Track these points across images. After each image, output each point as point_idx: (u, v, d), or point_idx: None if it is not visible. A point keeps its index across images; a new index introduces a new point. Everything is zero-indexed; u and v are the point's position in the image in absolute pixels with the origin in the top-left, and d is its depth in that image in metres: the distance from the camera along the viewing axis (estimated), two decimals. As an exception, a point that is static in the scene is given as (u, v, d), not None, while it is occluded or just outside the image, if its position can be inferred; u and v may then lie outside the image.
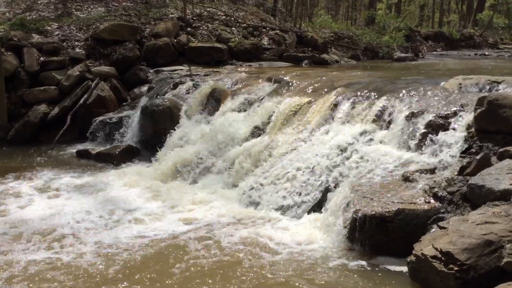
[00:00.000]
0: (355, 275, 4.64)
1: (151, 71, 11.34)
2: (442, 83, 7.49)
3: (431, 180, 5.21)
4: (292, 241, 5.37)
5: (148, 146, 8.81)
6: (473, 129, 5.72)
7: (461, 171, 5.16)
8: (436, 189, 5.02)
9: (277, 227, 5.78)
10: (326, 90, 8.02)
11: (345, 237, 5.09)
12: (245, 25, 14.93)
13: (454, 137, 5.79)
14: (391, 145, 6.26)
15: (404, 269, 4.57)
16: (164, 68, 11.34)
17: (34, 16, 13.29)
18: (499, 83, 6.98)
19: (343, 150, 6.47)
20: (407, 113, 6.42)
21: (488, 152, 5.29)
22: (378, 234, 4.87)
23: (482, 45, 24.87)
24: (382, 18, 22.46)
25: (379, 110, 6.84)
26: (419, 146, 6.01)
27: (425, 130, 6.06)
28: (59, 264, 4.86)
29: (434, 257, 4.09)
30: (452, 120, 6.00)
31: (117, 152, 8.70)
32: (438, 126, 6.01)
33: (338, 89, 7.85)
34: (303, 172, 6.48)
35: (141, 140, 9.11)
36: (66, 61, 10.76)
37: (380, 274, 4.66)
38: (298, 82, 8.73)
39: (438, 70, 11.94)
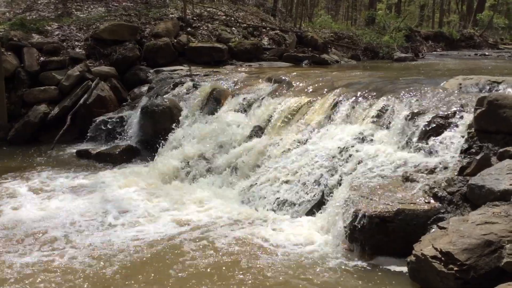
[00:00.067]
0: (355, 275, 4.64)
1: (151, 71, 11.34)
2: (442, 83, 7.49)
3: (431, 180, 5.21)
4: (291, 241, 5.37)
5: (148, 146, 8.82)
6: (473, 129, 5.71)
7: (461, 171, 5.17)
8: (436, 189, 5.02)
9: (276, 227, 5.77)
10: (326, 90, 8.02)
11: (345, 237, 5.08)
12: (245, 25, 14.94)
13: (454, 137, 5.79)
14: (391, 145, 6.26)
15: (404, 269, 4.57)
16: (164, 68, 11.34)
17: (34, 16, 13.29)
18: (499, 83, 6.98)
19: (343, 150, 6.47)
20: (407, 113, 6.42)
21: (488, 152, 5.29)
22: (378, 234, 4.87)
23: (482, 45, 24.87)
24: (382, 18, 22.47)
25: (379, 110, 6.83)
26: (419, 146, 6.01)
27: (425, 130, 6.06)
28: (52, 266, 4.80)
29: (434, 257, 4.09)
30: (452, 120, 6.01)
31: (117, 152, 8.70)
32: (438, 126, 6.01)
33: (338, 89, 7.86)
34: (303, 172, 6.48)
35: (141, 140, 9.11)
36: (66, 61, 10.76)
37: (380, 274, 4.66)
38: (298, 82, 8.73)
39: (438, 70, 11.93)
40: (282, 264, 4.86)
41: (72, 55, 11.04)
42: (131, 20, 13.02)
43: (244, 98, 8.58)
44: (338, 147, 6.52)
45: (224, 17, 14.99)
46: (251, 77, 9.80)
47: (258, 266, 4.81)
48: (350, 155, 6.31)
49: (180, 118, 8.78)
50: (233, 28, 14.34)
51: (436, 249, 4.10)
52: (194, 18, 14.20)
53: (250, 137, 7.69)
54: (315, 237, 5.43)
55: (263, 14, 17.75)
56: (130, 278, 4.59)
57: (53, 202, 6.61)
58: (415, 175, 5.40)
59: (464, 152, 5.60)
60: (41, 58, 10.65)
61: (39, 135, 9.96)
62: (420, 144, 6.01)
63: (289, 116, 7.65)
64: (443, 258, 4.02)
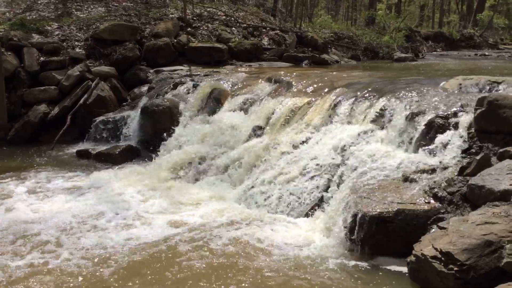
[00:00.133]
0: (355, 276, 4.64)
1: (151, 71, 11.34)
2: (442, 84, 7.49)
3: (431, 181, 5.21)
4: (291, 241, 5.36)
5: (148, 146, 8.82)
6: (473, 130, 5.71)
7: (461, 171, 5.16)
8: (436, 190, 5.02)
9: (276, 228, 5.77)
10: (326, 90, 8.02)
11: (345, 238, 5.08)
12: (245, 25, 14.94)
13: (454, 138, 5.79)
14: (391, 146, 6.26)
15: (404, 269, 4.57)
16: (164, 68, 11.34)
17: (34, 16, 13.29)
18: (499, 83, 6.98)
19: (343, 150, 6.47)
20: (407, 113, 6.42)
21: (488, 153, 5.29)
22: (378, 234, 4.87)
23: (482, 45, 24.87)
24: (382, 19, 22.47)
25: (379, 110, 6.83)
26: (419, 147, 6.01)
27: (425, 130, 6.06)
28: (45, 269, 4.74)
29: (434, 257, 4.09)
30: (452, 120, 6.00)
31: (117, 152, 8.70)
32: (438, 126, 6.01)
33: (338, 89, 7.86)
34: (303, 172, 6.48)
35: (141, 140, 9.11)
36: (66, 61, 10.76)
37: (380, 274, 4.66)
38: (298, 82, 8.73)
39: (438, 70, 11.93)
40: (282, 264, 4.86)
41: (72, 55, 11.04)
42: (131, 20, 13.03)
43: (244, 98, 8.58)
44: (338, 147, 6.52)
45: (224, 17, 14.99)
46: (251, 77, 9.80)
47: (257, 266, 4.80)
48: (350, 155, 6.31)
49: (180, 118, 8.79)
50: (233, 28, 14.34)
51: (436, 249, 4.10)
52: (194, 18, 14.20)
53: (250, 137, 7.69)
54: (315, 237, 5.43)
55: (263, 14, 17.75)
56: (128, 280, 4.56)
57: (49, 203, 6.54)
58: (415, 175, 5.40)
59: (464, 152, 5.60)
60: (41, 58, 10.66)
61: (39, 135, 9.96)
62: (420, 144, 6.01)
63: (289, 116, 7.66)
64: (443, 258, 4.03)
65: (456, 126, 5.91)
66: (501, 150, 5.22)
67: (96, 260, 4.93)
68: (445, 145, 5.77)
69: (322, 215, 5.80)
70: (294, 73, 9.61)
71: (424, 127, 6.09)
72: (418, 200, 4.99)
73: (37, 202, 6.62)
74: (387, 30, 20.27)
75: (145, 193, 6.96)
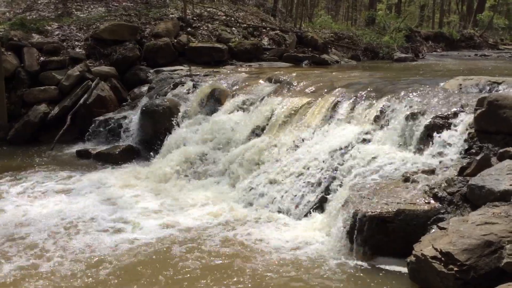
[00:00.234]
0: (355, 276, 4.64)
1: (151, 71, 11.34)
2: (442, 84, 7.49)
3: (431, 181, 5.21)
4: (291, 241, 5.36)
5: (148, 146, 8.81)
6: (473, 130, 5.71)
7: (461, 171, 5.16)
8: (436, 190, 5.02)
9: (276, 228, 5.77)
10: (326, 90, 8.02)
11: (345, 238, 5.08)
12: (245, 25, 14.94)
13: (454, 138, 5.79)
14: (391, 146, 6.26)
15: (404, 269, 4.57)
16: (164, 68, 11.34)
17: (34, 16, 13.29)
18: (499, 83, 6.98)
19: (343, 150, 6.47)
20: (407, 113, 6.42)
21: (488, 153, 5.29)
22: (378, 234, 4.87)
23: (482, 45, 24.86)
24: (382, 19, 22.47)
25: (379, 111, 6.83)
26: (419, 147, 6.01)
27: (425, 131, 6.06)
28: (36, 272, 4.65)
29: (434, 257, 4.08)
30: (452, 120, 6.00)
31: (117, 152, 8.70)
32: (438, 126, 6.01)
33: (338, 89, 7.86)
34: (303, 172, 6.47)
35: (141, 140, 9.11)
36: (66, 61, 10.77)
37: (379, 274, 4.66)
38: (298, 83, 8.72)
39: (438, 70, 11.93)
40: (282, 264, 4.85)
41: (72, 55, 11.04)
42: (131, 20, 13.03)
43: (244, 98, 8.58)
44: (338, 148, 6.52)
45: (224, 17, 14.99)
46: (251, 77, 9.80)
47: (256, 266, 4.80)
48: (350, 156, 6.30)
49: (180, 118, 8.78)
50: (233, 28, 14.34)
51: (436, 249, 4.10)
52: (194, 18, 14.20)
53: (249, 137, 7.69)
54: (315, 237, 5.42)
55: (263, 14, 17.75)
56: (125, 281, 4.52)
57: (41, 205, 6.44)
58: (415, 176, 5.40)
59: (464, 152, 5.60)
60: (41, 58, 10.66)
61: (39, 135, 9.96)
62: (420, 145, 6.01)
63: (289, 116, 7.65)
64: (443, 259, 4.02)
65: (456, 126, 5.91)
66: (501, 150, 5.22)
67: (89, 263, 4.85)
68: (445, 146, 5.77)
69: (322, 215, 5.80)
70: (294, 73, 9.61)
71: (424, 127, 6.09)
72: (418, 200, 4.99)
73: (28, 203, 6.52)
74: (387, 30, 20.27)
75: (144, 193, 6.95)
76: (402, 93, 6.99)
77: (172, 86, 9.79)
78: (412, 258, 4.33)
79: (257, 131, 7.75)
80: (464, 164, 5.24)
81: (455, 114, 6.07)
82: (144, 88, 10.72)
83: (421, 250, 4.22)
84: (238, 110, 8.42)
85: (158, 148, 8.41)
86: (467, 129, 5.78)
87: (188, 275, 4.64)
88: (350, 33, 18.58)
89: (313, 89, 8.31)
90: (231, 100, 8.67)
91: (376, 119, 6.77)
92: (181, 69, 11.30)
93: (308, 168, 6.48)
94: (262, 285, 4.47)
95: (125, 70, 11.41)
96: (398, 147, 6.21)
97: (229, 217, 6.11)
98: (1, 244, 5.25)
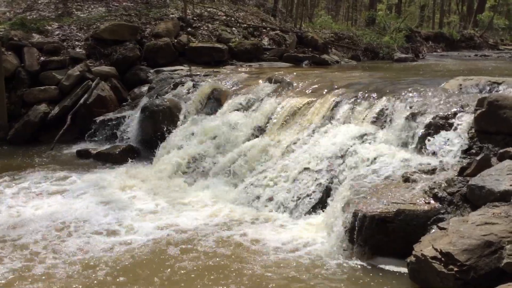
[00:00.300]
0: (355, 276, 4.64)
1: (152, 71, 11.33)
2: (442, 84, 7.49)
3: (431, 181, 5.21)
4: (291, 241, 5.36)
5: (148, 146, 8.81)
6: (473, 130, 5.72)
7: (461, 172, 5.16)
8: (436, 190, 5.02)
9: (276, 228, 5.77)
10: (326, 90, 8.02)
11: (345, 238, 5.08)
12: (245, 25, 14.93)
13: (454, 138, 5.79)
14: (391, 146, 6.26)
15: (404, 269, 4.57)
16: (165, 68, 11.33)
17: (34, 16, 13.29)
18: (499, 84, 6.98)
19: (343, 150, 6.47)
20: (407, 113, 6.42)
21: (488, 153, 5.29)
22: (378, 234, 4.87)
23: (483, 46, 24.85)
24: (383, 19, 22.45)
25: (379, 111, 6.84)
26: (419, 147, 6.02)
27: (425, 131, 6.07)
28: (30, 275, 4.59)
29: (434, 257, 4.08)
30: (452, 121, 6.01)
31: (117, 152, 8.70)
32: (438, 126, 6.01)
33: (338, 89, 7.86)
34: (303, 172, 6.48)
35: (141, 140, 9.11)
36: (66, 60, 10.76)
37: (379, 274, 4.66)
38: (298, 83, 8.73)
39: (438, 70, 11.93)
40: (281, 264, 4.85)
41: (73, 55, 11.04)
42: (131, 20, 13.03)
43: (244, 98, 8.58)
44: (338, 148, 6.52)
45: (224, 17, 14.99)
46: (251, 77, 9.80)
47: (256, 267, 4.79)
48: (350, 156, 6.31)
49: (180, 118, 8.78)
50: (234, 28, 14.34)
51: (436, 249, 4.10)
52: (195, 18, 14.20)
53: (250, 137, 7.69)
54: (314, 237, 5.42)
55: (263, 14, 17.75)
56: (121, 282, 4.48)
57: (34, 206, 6.39)
58: (415, 176, 5.40)
59: (464, 152, 5.61)
60: (42, 58, 10.66)
61: (39, 135, 9.95)
62: (420, 145, 6.01)
63: (289, 116, 7.66)
64: (443, 259, 4.02)
65: (456, 126, 5.92)
66: (501, 150, 5.22)
67: (85, 265, 4.79)
68: (445, 146, 5.77)
69: (322, 215, 5.80)
70: (294, 73, 9.61)
71: (424, 127, 6.10)
72: (418, 201, 4.99)
73: (23, 204, 6.45)
74: (388, 30, 20.25)
75: (142, 194, 6.94)
76: (402, 93, 7.00)
77: (172, 86, 9.79)
78: (412, 258, 4.33)
79: (257, 131, 7.76)
80: (464, 164, 5.24)
81: (455, 114, 6.08)
82: (144, 88, 10.72)
83: (421, 250, 4.22)
84: (238, 110, 8.42)
85: (158, 148, 8.41)
86: (467, 129, 5.78)
87: (185, 277, 4.61)
88: (350, 33, 18.57)
89: (313, 89, 8.31)
90: (231, 100, 8.67)
91: (376, 119, 6.78)
92: (181, 69, 11.29)
93: (308, 168, 6.48)
94: (262, 285, 4.47)
95: (125, 70, 11.40)
96: (398, 147, 6.21)
97: (228, 217, 6.10)
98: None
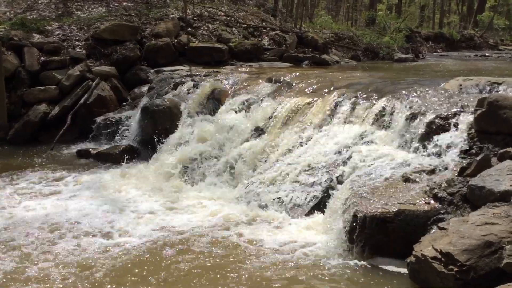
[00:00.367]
0: (355, 276, 4.64)
1: (152, 71, 11.33)
2: (443, 84, 7.49)
3: (431, 181, 5.21)
4: (290, 241, 5.36)
5: (148, 146, 8.81)
6: (473, 130, 5.72)
7: (461, 172, 5.16)
8: (436, 190, 5.02)
9: (275, 228, 5.77)
10: (326, 90, 8.02)
11: (345, 238, 5.08)
12: (245, 25, 14.93)
13: (454, 138, 5.79)
14: (391, 146, 6.26)
15: (404, 270, 4.57)
16: (165, 68, 11.33)
17: (34, 16, 13.29)
18: (499, 84, 6.98)
19: (343, 150, 6.47)
20: (407, 114, 6.42)
21: (488, 153, 5.29)
22: (378, 234, 4.87)
23: (483, 46, 24.83)
24: (383, 19, 22.44)
25: (379, 111, 6.84)
26: (419, 147, 6.01)
27: (425, 131, 6.07)
28: (23, 277, 4.53)
29: (434, 258, 4.08)
30: (453, 121, 6.01)
31: (117, 152, 8.70)
32: (439, 127, 6.01)
33: (339, 89, 7.86)
34: (303, 172, 6.48)
35: (142, 140, 9.11)
36: (66, 60, 10.77)
37: (379, 274, 4.66)
38: (299, 83, 8.73)
39: (439, 71, 11.93)
40: (281, 265, 4.85)
41: (73, 55, 11.05)
42: (131, 20, 13.03)
43: (244, 99, 8.57)
44: (338, 148, 6.52)
45: (224, 17, 14.99)
46: (252, 77, 9.80)
47: (255, 267, 4.79)
48: (350, 156, 6.31)
49: (180, 118, 8.78)
50: (234, 28, 14.34)
51: (436, 249, 4.10)
52: (195, 18, 14.20)
53: (250, 137, 7.69)
54: (315, 237, 5.43)
55: (263, 14, 17.75)
56: (117, 284, 4.45)
57: (25, 208, 6.32)
58: (415, 176, 5.40)
59: (464, 153, 5.60)
60: (42, 58, 10.66)
61: (39, 135, 9.95)
62: (420, 145, 6.01)
63: (289, 116, 7.65)
64: (443, 259, 4.02)
65: (456, 126, 5.92)
66: (501, 150, 5.22)
67: (80, 266, 4.75)
68: (445, 146, 5.77)
69: (322, 215, 5.80)
70: (295, 74, 9.61)
71: (424, 127, 6.10)
72: (418, 201, 4.99)
73: (16, 205, 6.42)
74: (388, 30, 20.24)
75: (141, 194, 6.92)
76: (403, 94, 7.00)
77: (172, 86, 9.79)
78: (412, 258, 4.33)
79: (258, 131, 7.75)
80: (464, 164, 5.25)
81: (455, 115, 6.07)
82: (145, 88, 10.72)
83: (421, 251, 4.22)
84: (238, 110, 8.42)
85: (158, 148, 8.41)
86: (467, 130, 5.78)
87: (183, 277, 4.60)
88: (351, 33, 18.57)
89: (314, 89, 8.31)
90: (231, 100, 8.67)
91: (376, 119, 6.78)
92: (182, 69, 11.29)
93: (308, 168, 6.48)
94: (262, 286, 4.47)
95: (126, 70, 11.41)
96: (398, 147, 6.21)
97: (227, 217, 6.09)
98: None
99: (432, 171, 5.46)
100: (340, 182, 6.08)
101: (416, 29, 24.44)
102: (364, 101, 7.23)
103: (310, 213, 6.00)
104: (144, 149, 8.91)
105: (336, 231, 5.21)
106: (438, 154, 5.74)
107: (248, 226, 5.85)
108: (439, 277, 4.03)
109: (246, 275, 4.62)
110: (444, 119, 6.07)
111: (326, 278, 4.59)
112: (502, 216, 4.22)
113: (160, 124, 8.77)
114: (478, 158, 5.17)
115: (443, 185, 5.05)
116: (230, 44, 12.88)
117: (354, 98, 7.35)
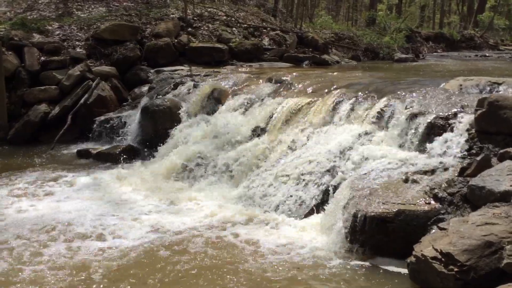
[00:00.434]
0: (355, 276, 4.64)
1: (152, 71, 11.33)
2: (443, 84, 7.49)
3: (432, 181, 5.21)
4: (291, 241, 5.36)
5: (148, 146, 8.81)
6: (473, 130, 5.71)
7: (462, 172, 5.16)
8: (436, 190, 5.02)
9: (276, 228, 5.77)
10: (326, 90, 8.02)
11: (345, 238, 5.08)
12: (245, 25, 14.93)
13: (455, 138, 5.79)
14: (391, 146, 6.26)
15: (404, 270, 4.57)
16: (165, 68, 11.34)
17: (35, 16, 13.30)
18: (499, 84, 6.99)
19: (343, 150, 6.47)
20: (407, 114, 6.42)
21: (489, 153, 5.29)
22: (378, 235, 4.87)
23: (483, 46, 24.83)
24: (383, 19, 22.44)
25: (380, 111, 6.84)
26: (419, 147, 6.01)
27: (425, 131, 6.07)
28: (17, 279, 4.49)
29: (434, 258, 4.08)
30: (453, 121, 6.01)
31: (117, 152, 8.70)
32: (439, 127, 6.01)
33: (339, 89, 7.86)
34: (303, 172, 6.47)
35: (142, 140, 9.11)
36: (67, 60, 10.77)
37: (380, 275, 4.66)
38: (299, 83, 8.73)
39: (439, 71, 11.93)
40: (281, 265, 4.85)
41: (73, 54, 11.05)
42: (132, 20, 13.03)
43: (244, 99, 8.57)
44: (339, 148, 6.52)
45: (224, 17, 14.99)
46: (252, 77, 9.79)
47: (255, 267, 4.79)
48: (351, 156, 6.31)
49: (181, 118, 8.78)
50: (234, 29, 14.34)
51: (436, 250, 4.10)
52: (195, 18, 14.20)
53: (250, 137, 7.69)
54: (315, 237, 5.43)
55: (263, 14, 17.75)
56: (113, 286, 4.43)
57: (17, 209, 6.26)
58: (415, 176, 5.40)
59: (465, 153, 5.60)
60: (42, 58, 10.66)
61: (39, 135, 9.95)
62: (420, 145, 6.01)
63: (289, 116, 7.65)
64: (443, 259, 4.02)
65: (456, 127, 5.92)
66: (501, 151, 5.22)
67: (76, 269, 4.70)
68: (445, 146, 5.77)
69: (322, 215, 5.80)
70: (295, 74, 9.61)
71: (424, 127, 6.10)
72: (418, 201, 4.99)
73: (8, 206, 6.37)
74: (388, 30, 20.24)
75: (140, 194, 6.91)
76: (403, 94, 7.00)
77: (172, 86, 9.79)
78: (412, 258, 4.33)
79: (258, 131, 7.75)
80: (465, 164, 5.25)
81: (456, 115, 6.07)
82: (145, 88, 10.72)
83: (421, 251, 4.22)
84: (238, 110, 8.42)
85: (158, 148, 8.41)
86: (467, 130, 5.78)
87: (181, 278, 4.59)
88: (351, 33, 18.56)
89: (314, 89, 8.31)
90: (231, 100, 8.67)
91: (377, 119, 6.77)
92: (182, 69, 11.29)
93: (308, 168, 6.47)
94: (262, 286, 4.47)
95: (126, 70, 11.41)
96: (399, 147, 6.21)
97: (226, 218, 6.07)
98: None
99: (432, 171, 5.45)
100: (340, 182, 6.07)
101: (416, 29, 24.44)
102: (364, 101, 7.22)
103: (310, 213, 5.99)
104: (144, 149, 8.91)
105: (336, 231, 5.21)
106: (438, 154, 5.74)
107: (247, 226, 5.84)
108: (439, 277, 4.03)
109: (246, 276, 4.62)
110: (444, 119, 6.07)
111: (327, 278, 4.59)
112: (502, 216, 4.22)
113: (160, 124, 8.77)
114: (478, 158, 5.17)
115: (443, 185, 5.05)
116: (230, 44, 12.88)
117: (354, 98, 7.35)
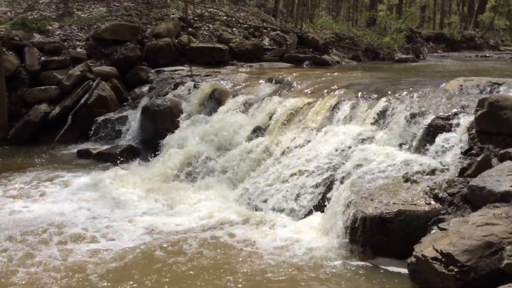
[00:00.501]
0: (355, 276, 4.63)
1: (152, 71, 11.34)
2: (443, 85, 7.49)
3: (432, 181, 5.21)
4: (291, 242, 5.35)
5: (148, 146, 8.81)
6: (473, 131, 5.71)
7: (462, 172, 5.16)
8: (436, 190, 5.02)
9: (276, 228, 5.76)
10: (326, 91, 8.02)
11: (345, 238, 5.08)
12: (246, 25, 14.94)
13: (455, 139, 5.79)
14: (391, 146, 6.26)
15: (404, 270, 4.56)
16: (165, 68, 11.34)
17: (35, 16, 13.31)
18: (500, 84, 6.98)
19: (343, 150, 6.47)
20: (407, 114, 6.42)
21: (489, 154, 5.28)
22: (378, 235, 4.87)
23: (483, 46, 24.83)
24: (383, 19, 22.43)
25: (380, 111, 6.84)
26: (419, 147, 6.02)
27: (426, 131, 6.07)
28: (13, 281, 4.44)
29: (434, 258, 4.08)
30: (453, 121, 6.01)
31: (117, 152, 8.70)
32: (439, 127, 6.01)
33: (339, 90, 7.86)
34: (304, 172, 6.47)
35: (142, 140, 9.12)
36: (67, 60, 10.77)
37: (380, 275, 4.66)
38: (299, 83, 8.73)
39: (439, 71, 11.93)
40: (281, 265, 4.85)
41: (73, 54, 11.05)
42: (132, 20, 13.04)
43: (244, 99, 8.58)
44: (339, 148, 6.52)
45: (225, 17, 14.99)
46: (252, 77, 9.80)
47: (255, 267, 4.79)
48: (351, 156, 6.31)
49: (181, 118, 8.78)
50: (234, 29, 14.34)
51: (436, 250, 4.10)
52: (195, 19, 14.21)
53: (250, 137, 7.69)
54: (315, 237, 5.42)
55: (264, 14, 17.76)
56: (113, 285, 4.43)
57: (11, 210, 6.22)
58: (415, 176, 5.40)
59: (465, 153, 5.60)
60: (42, 58, 10.66)
61: (39, 135, 9.95)
62: (420, 145, 6.01)
63: (289, 116, 7.65)
64: (443, 259, 4.02)
65: (457, 127, 5.92)
66: (501, 151, 5.22)
67: (71, 271, 4.67)
68: (445, 146, 5.77)
69: (322, 216, 5.79)
70: (295, 74, 9.62)
71: (424, 128, 6.10)
72: (418, 201, 4.99)
73: (10, 206, 6.34)
74: (388, 31, 20.24)
75: (139, 194, 6.90)
76: (403, 94, 7.00)
77: (173, 86, 9.79)
78: (412, 259, 4.33)
79: (258, 132, 7.75)
80: (465, 165, 5.25)
81: (456, 115, 6.08)
82: (145, 88, 10.72)
83: (422, 251, 4.22)
84: (238, 111, 8.42)
85: (159, 148, 8.41)
86: (467, 130, 5.78)
87: (182, 279, 4.59)
88: (351, 33, 18.56)
89: (314, 89, 8.31)
90: (231, 100, 8.67)
91: (377, 119, 6.78)
92: (182, 69, 11.30)
93: (308, 169, 6.47)
94: (261, 286, 4.47)
95: (126, 70, 11.41)
96: (399, 147, 6.21)
97: (226, 218, 6.06)
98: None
99: (432, 172, 5.45)
100: (340, 182, 6.07)
101: (416, 29, 24.42)
102: (365, 101, 7.23)
103: (310, 213, 5.99)
104: (144, 149, 8.92)
105: (336, 232, 5.21)
106: (439, 155, 5.74)
107: (247, 226, 5.84)
108: (439, 277, 4.03)
109: (246, 276, 4.62)
110: (444, 119, 6.07)
111: (327, 279, 4.59)
112: (502, 216, 4.22)
113: (160, 124, 8.78)
114: (478, 158, 5.17)
115: (443, 185, 5.05)
116: (231, 44, 12.89)
117: (354, 99, 7.36)
